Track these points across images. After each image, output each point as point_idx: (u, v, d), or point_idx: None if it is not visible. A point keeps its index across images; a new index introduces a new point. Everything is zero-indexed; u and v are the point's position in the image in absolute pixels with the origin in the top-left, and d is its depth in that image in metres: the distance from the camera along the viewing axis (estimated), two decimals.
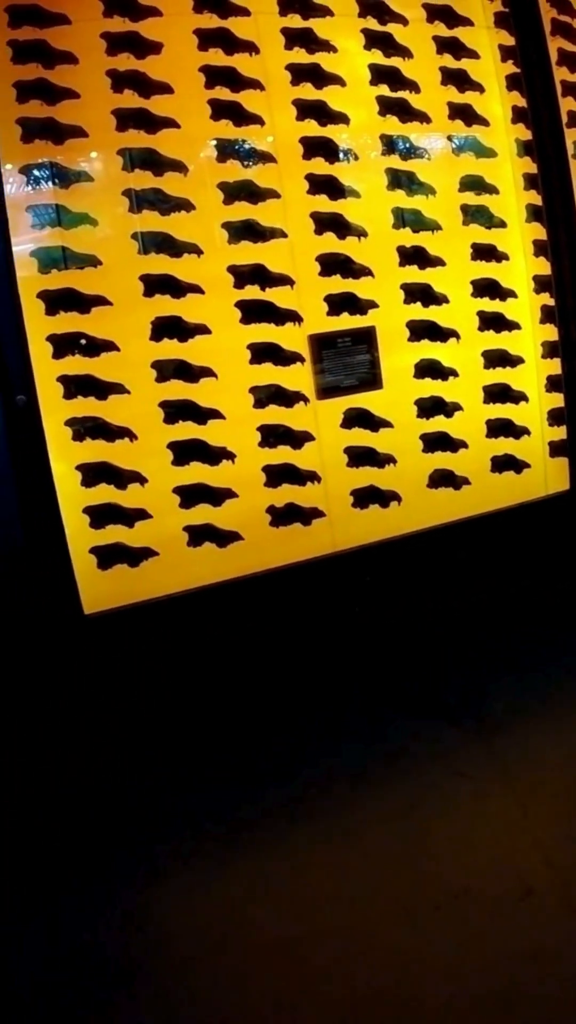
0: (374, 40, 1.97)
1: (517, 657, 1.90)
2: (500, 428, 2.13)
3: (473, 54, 2.08)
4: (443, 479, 2.08)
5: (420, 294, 1.97)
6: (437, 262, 1.98)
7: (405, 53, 1.99)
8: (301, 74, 1.89)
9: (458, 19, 2.07)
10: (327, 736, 1.65)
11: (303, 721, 1.69)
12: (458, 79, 2.06)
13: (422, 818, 1.33)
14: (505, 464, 2.17)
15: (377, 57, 1.97)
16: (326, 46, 1.91)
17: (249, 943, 1.11)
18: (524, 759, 1.48)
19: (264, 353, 1.82)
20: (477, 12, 2.10)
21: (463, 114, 2.06)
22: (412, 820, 1.33)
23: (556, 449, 2.25)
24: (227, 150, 1.84)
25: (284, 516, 1.83)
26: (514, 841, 1.25)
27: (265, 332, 1.83)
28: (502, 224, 2.08)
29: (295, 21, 1.90)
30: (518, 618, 2.08)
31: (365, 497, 1.96)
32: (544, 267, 2.14)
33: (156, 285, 1.75)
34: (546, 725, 1.59)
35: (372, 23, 1.97)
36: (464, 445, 2.07)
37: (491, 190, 2.08)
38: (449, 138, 2.05)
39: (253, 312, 1.81)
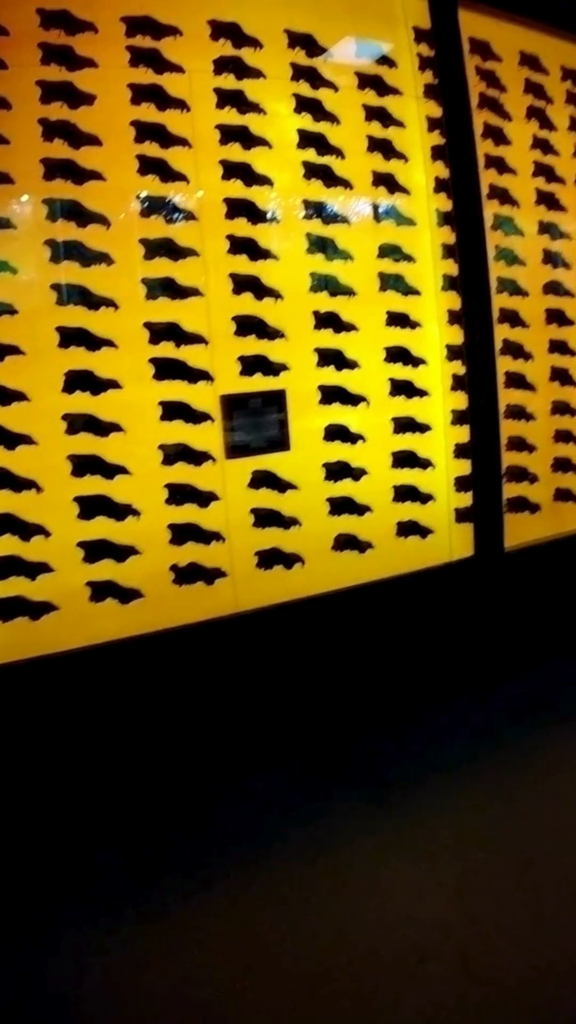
0: (304, 105, 2.91)
1: (419, 721, 2.86)
2: (406, 493, 3.11)
3: (400, 123, 3.08)
4: (348, 542, 3.03)
5: (332, 358, 2.91)
6: (351, 327, 2.94)
7: (333, 119, 2.95)
8: (230, 134, 2.79)
9: (388, 88, 3.07)
10: (224, 799, 2.50)
11: (201, 782, 2.54)
12: (383, 147, 3.06)
13: (319, 883, 2.03)
14: (410, 529, 3.16)
15: (306, 122, 2.91)
16: (256, 108, 2.82)
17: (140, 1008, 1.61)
18: (423, 823, 2.33)
19: (175, 411, 2.69)
20: (407, 82, 3.11)
21: (386, 182, 3.05)
22: (308, 885, 2.02)
23: (462, 515, 3.27)
24: (151, 206, 2.71)
25: (187, 575, 2.68)
26: (411, 906, 1.91)
27: (177, 390, 2.68)
28: (417, 292, 3.09)
29: (228, 81, 2.80)
30: (421, 682, 3.05)
31: (269, 558, 2.86)
32: (457, 335, 3.17)
33: (71, 337, 2.57)
34: (446, 790, 2.50)
35: (304, 88, 2.91)
36: (369, 509, 3.03)
37: (408, 258, 3.08)
38: (371, 205, 3.04)
39: (166, 369, 2.67)
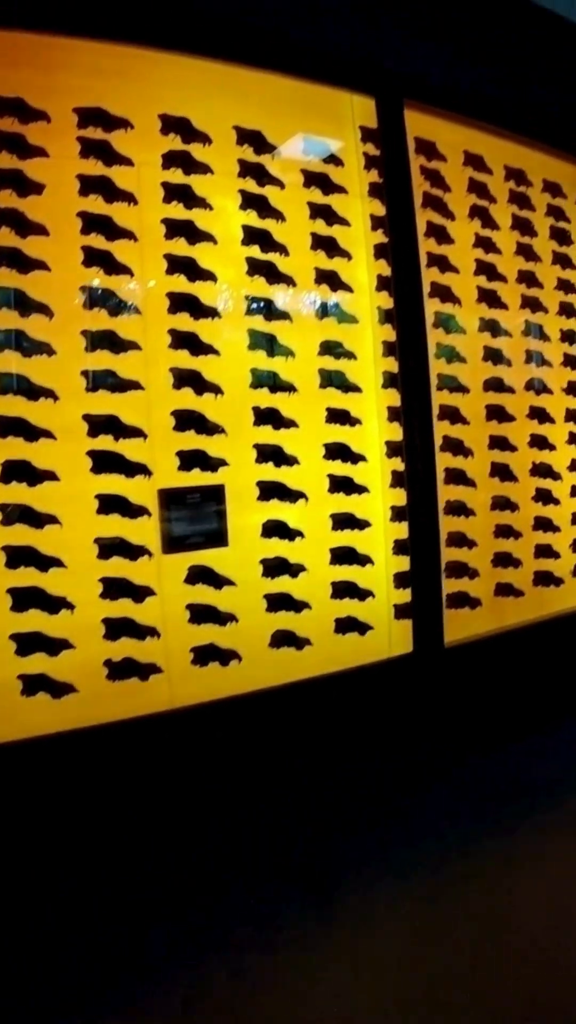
0: (250, 201, 3.36)
1: (358, 821, 3.17)
2: (345, 590, 3.49)
3: (344, 221, 3.56)
4: (285, 639, 3.37)
5: (272, 454, 3.31)
6: (291, 423, 3.35)
7: (279, 216, 3.41)
8: (175, 229, 3.21)
9: (333, 187, 3.55)
10: (157, 902, 2.75)
11: (133, 884, 2.79)
12: (327, 245, 3.53)
13: (251, 987, 2.30)
14: (349, 625, 3.52)
15: (251, 218, 3.36)
16: (203, 203, 3.25)
17: None
18: (360, 926, 2.64)
19: (112, 504, 3.02)
20: (353, 181, 3.60)
21: (329, 279, 3.51)
22: (243, 988, 2.30)
23: (401, 611, 3.66)
24: (94, 298, 3.09)
25: (121, 670, 2.97)
26: (343, 1008, 2.20)
27: (114, 483, 3.02)
28: (358, 389, 3.53)
29: (176, 176, 3.22)
30: (360, 780, 3.36)
31: (205, 654, 3.17)
32: (397, 432, 3.61)
33: (9, 427, 2.90)
34: (384, 891, 2.81)
35: (250, 184, 3.36)
36: (308, 605, 3.39)
37: (350, 355, 3.53)
38: (313, 302, 3.49)
39: (104, 462, 3.01)
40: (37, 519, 2.83)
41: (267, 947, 2.52)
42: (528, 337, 4.26)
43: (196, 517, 3.11)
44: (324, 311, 3.45)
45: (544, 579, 4.25)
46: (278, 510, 3.27)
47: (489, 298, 4.05)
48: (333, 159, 3.54)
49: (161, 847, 2.88)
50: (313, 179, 3.47)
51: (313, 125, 3.54)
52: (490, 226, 4.15)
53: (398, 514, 3.55)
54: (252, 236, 3.31)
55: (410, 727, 3.58)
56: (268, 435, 3.27)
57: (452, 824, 3.21)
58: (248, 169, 3.32)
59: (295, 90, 3.44)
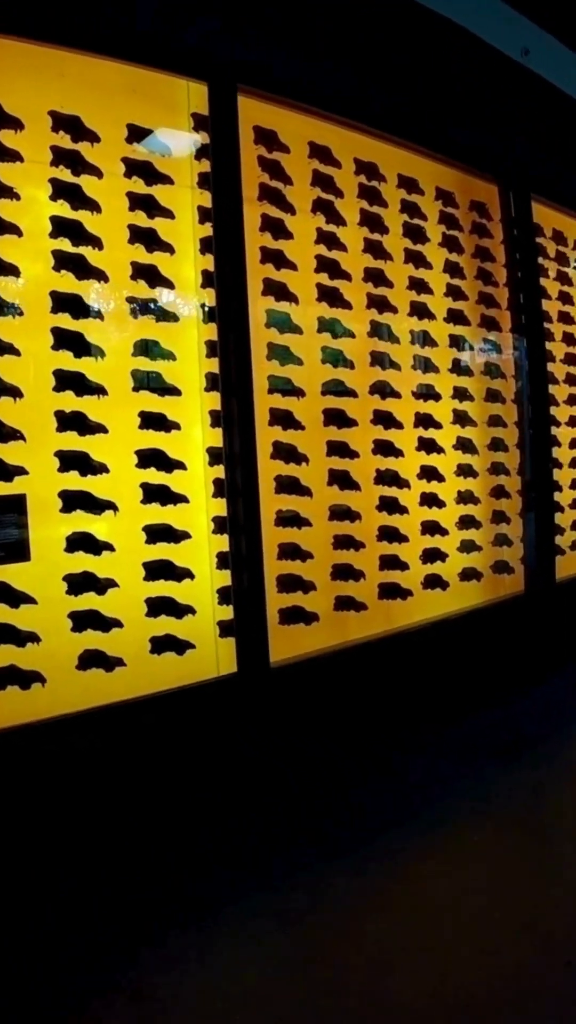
0: (62, 191, 3.34)
1: (181, 851, 3.18)
2: (161, 606, 3.50)
3: (168, 213, 3.56)
4: (93, 659, 3.36)
5: (76, 461, 3.30)
6: (99, 428, 3.34)
7: (94, 207, 3.39)
8: None
9: (158, 176, 3.55)
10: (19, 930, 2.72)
11: None
12: (147, 238, 3.53)
13: None
14: (166, 644, 3.53)
15: (63, 209, 3.34)
16: (9, 193, 3.22)
17: None
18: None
19: None
20: (182, 171, 3.61)
21: (147, 275, 3.51)
22: None
23: (226, 629, 3.68)
24: None
25: None
26: None
27: None
28: (176, 392, 3.54)
29: None
30: (180, 806, 3.37)
31: (3, 677, 3.15)
32: (221, 438, 3.64)
33: None
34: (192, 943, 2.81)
35: (64, 173, 3.34)
36: (119, 624, 3.39)
37: (168, 356, 3.53)
38: (129, 299, 3.48)
39: None
40: None
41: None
42: (374, 338, 4.32)
43: None
44: (142, 309, 3.43)
45: (391, 592, 4.33)
46: (85, 522, 3.24)
47: (330, 297, 4.10)
48: (162, 148, 3.54)
49: None
50: (136, 168, 3.45)
51: (145, 112, 3.53)
52: (335, 221, 4.20)
53: (221, 525, 3.56)
54: (61, 228, 3.27)
55: (236, 751, 3.58)
56: (73, 441, 3.24)
57: (273, 852, 3.25)
58: (62, 157, 3.28)
59: (124, 74, 3.45)
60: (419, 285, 4.63)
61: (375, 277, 4.36)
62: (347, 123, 4.27)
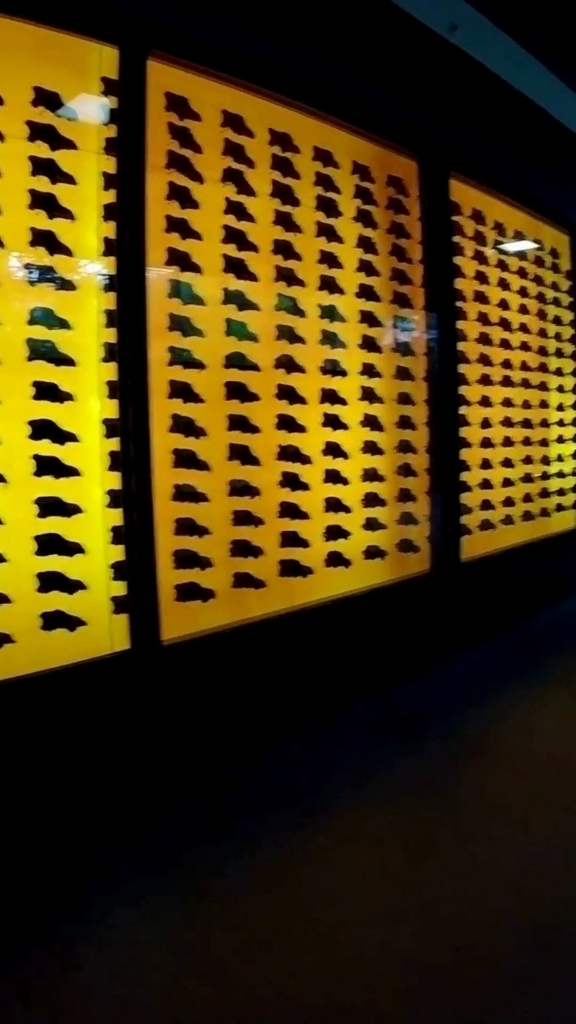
0: None
1: (61, 832, 3.18)
2: (52, 582, 3.47)
3: (69, 179, 3.50)
4: None
5: None
6: None
7: None
8: None
9: (62, 141, 3.48)
10: None
11: None
12: (48, 204, 3.46)
13: None
14: (57, 620, 3.51)
15: None
16: None
17: None
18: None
19: None
20: (89, 136, 3.53)
21: (46, 241, 3.45)
22: None
23: (121, 605, 3.67)
24: None
25: None
26: None
27: None
28: (71, 362, 3.49)
29: None
30: (68, 786, 3.36)
31: None
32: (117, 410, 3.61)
33: None
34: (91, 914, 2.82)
35: None
36: (6, 599, 3.35)
37: (63, 324, 3.48)
38: (26, 266, 3.41)
39: None
40: None
41: None
42: (281, 312, 4.32)
43: None
44: (40, 276, 3.37)
45: (291, 569, 4.36)
46: None
47: (237, 268, 4.08)
48: (70, 112, 3.45)
49: None
50: (40, 132, 3.36)
51: (54, 75, 3.43)
52: (246, 192, 4.18)
53: (116, 499, 3.53)
54: None
55: (130, 731, 3.59)
56: None
57: (178, 845, 3.30)
58: None
59: (34, 36, 3.35)
60: (330, 259, 4.64)
61: (284, 249, 4.36)
62: (263, 92, 4.24)
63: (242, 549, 4.11)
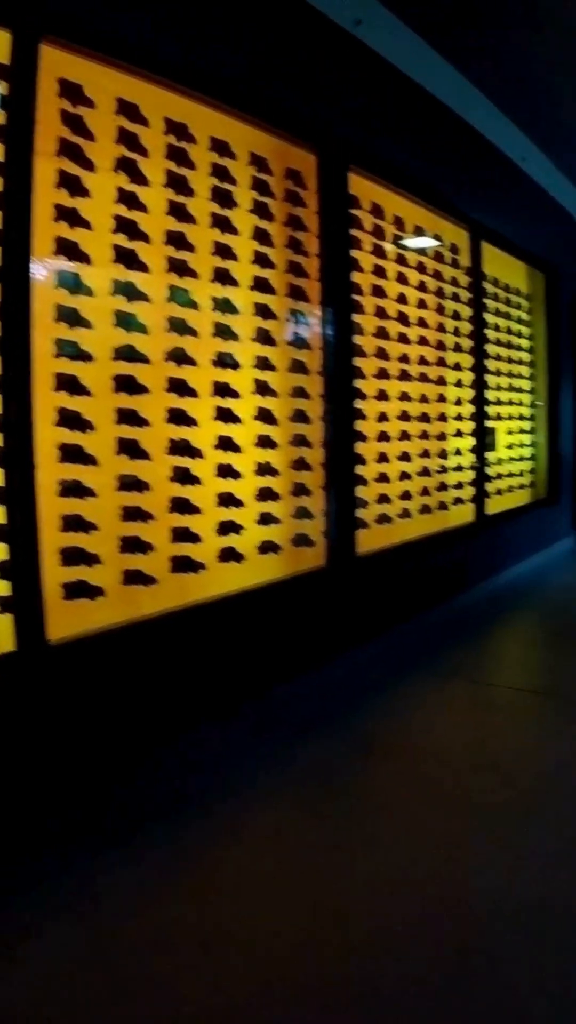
0: None
1: None
2: None
3: None
4: None
5: None
6: None
7: None
8: None
9: None
10: None
11: None
12: None
13: None
14: None
15: None
16: None
17: None
18: None
19: None
20: None
21: None
22: None
23: (5, 605, 3.59)
24: None
25: None
26: None
27: None
28: None
29: None
30: None
31: None
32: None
33: None
34: None
35: None
36: None
37: None
38: None
39: None
40: None
41: None
42: (172, 303, 4.28)
43: None
44: None
45: (184, 565, 4.33)
46: None
47: (128, 259, 4.02)
48: None
49: None
50: None
51: None
52: (138, 181, 4.12)
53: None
54: None
55: (12, 735, 3.51)
56: None
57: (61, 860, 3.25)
58: None
59: None
60: (224, 251, 4.61)
61: (177, 240, 4.31)
62: (160, 81, 4.18)
63: (132, 545, 4.06)
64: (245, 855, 3.23)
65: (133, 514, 4.07)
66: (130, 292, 4.07)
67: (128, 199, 4.09)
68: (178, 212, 4.36)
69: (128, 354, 4.04)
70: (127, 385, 4.03)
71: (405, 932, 2.76)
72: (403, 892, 2.98)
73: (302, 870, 3.13)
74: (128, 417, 4.03)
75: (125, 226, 4.07)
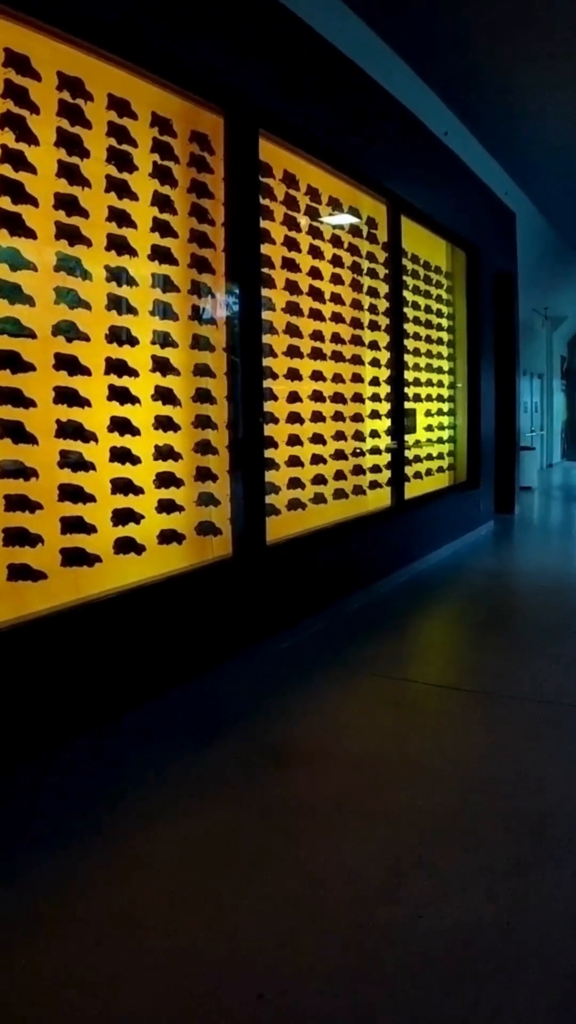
0: None
1: None
2: None
3: None
4: None
5: None
6: None
7: None
8: None
9: None
10: None
11: None
12: None
13: None
14: None
15: None
16: None
17: None
18: None
19: None
20: None
21: None
22: None
23: None
24: None
25: None
26: None
27: None
28: None
29: None
30: None
31: None
32: None
33: None
34: None
35: None
36: None
37: None
38: None
39: None
40: None
41: None
42: (61, 273, 4.00)
43: None
44: None
45: (75, 558, 4.06)
46: None
47: (12, 223, 3.74)
48: None
49: None
50: None
51: None
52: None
53: None
54: None
55: None
56: None
57: None
58: None
59: None
60: (121, 217, 4.32)
61: (68, 204, 4.01)
62: (52, 32, 3.88)
63: (16, 538, 3.78)
64: (129, 881, 3.00)
65: (17, 503, 3.78)
66: (13, 260, 3.76)
67: (14, 158, 3.78)
68: (70, 174, 4.07)
69: (11, 328, 3.74)
70: (10, 361, 3.73)
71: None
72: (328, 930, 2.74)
73: (198, 899, 2.90)
74: (11, 397, 3.73)
75: (10, 187, 3.77)
